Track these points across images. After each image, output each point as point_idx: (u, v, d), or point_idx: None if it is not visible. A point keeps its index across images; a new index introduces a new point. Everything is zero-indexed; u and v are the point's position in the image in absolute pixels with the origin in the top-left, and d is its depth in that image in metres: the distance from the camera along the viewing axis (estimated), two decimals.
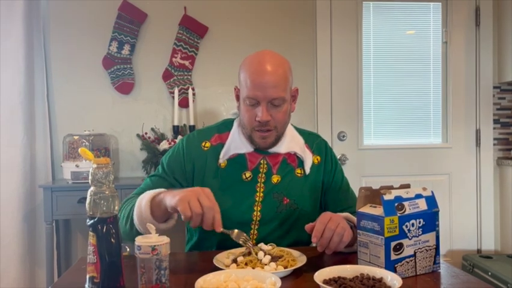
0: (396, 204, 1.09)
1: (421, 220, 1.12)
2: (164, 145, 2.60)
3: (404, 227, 1.09)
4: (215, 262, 1.14)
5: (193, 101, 2.80)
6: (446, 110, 3.03)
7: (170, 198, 1.14)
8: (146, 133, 2.76)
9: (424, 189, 1.16)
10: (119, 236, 0.97)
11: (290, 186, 1.44)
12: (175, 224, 1.24)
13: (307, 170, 1.46)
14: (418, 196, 1.13)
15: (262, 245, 1.23)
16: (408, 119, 3.02)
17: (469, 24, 3.00)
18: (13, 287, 2.52)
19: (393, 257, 1.08)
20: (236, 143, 1.43)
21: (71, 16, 2.77)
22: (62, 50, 2.77)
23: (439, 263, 1.16)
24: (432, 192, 1.16)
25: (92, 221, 0.96)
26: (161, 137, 2.73)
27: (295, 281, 1.09)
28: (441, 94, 3.03)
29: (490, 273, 2.49)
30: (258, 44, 2.80)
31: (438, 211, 1.15)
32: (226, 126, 1.49)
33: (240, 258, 1.15)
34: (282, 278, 0.98)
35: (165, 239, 0.96)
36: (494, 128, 3.03)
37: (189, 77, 2.85)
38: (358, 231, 1.15)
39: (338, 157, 2.85)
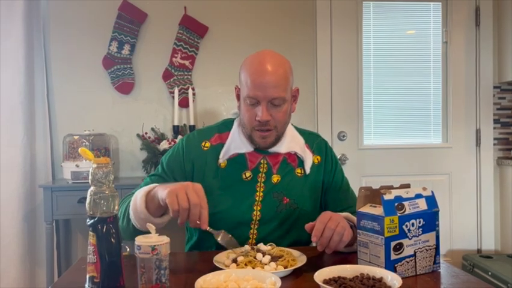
0: (396, 204, 1.09)
1: (421, 220, 1.12)
2: (164, 145, 2.60)
3: (404, 226, 1.09)
4: (215, 262, 1.14)
5: (193, 101, 2.80)
6: (446, 110, 3.03)
7: (162, 190, 1.15)
8: (146, 133, 2.76)
9: (424, 189, 1.16)
10: (119, 236, 0.97)
11: (290, 186, 1.44)
12: (170, 219, 1.24)
13: (308, 170, 1.46)
14: (418, 196, 1.13)
15: (261, 245, 1.23)
16: (408, 118, 3.02)
17: (469, 24, 3.00)
18: (13, 287, 2.52)
19: (393, 256, 1.08)
20: (236, 143, 1.43)
21: (71, 16, 2.77)
22: (62, 50, 2.77)
23: (439, 262, 1.16)
24: (432, 192, 1.16)
25: (92, 221, 0.96)
26: (161, 137, 2.73)
27: (296, 281, 1.09)
28: (441, 94, 3.03)
29: (490, 273, 2.49)
30: (258, 44, 2.80)
31: (438, 211, 1.15)
32: (226, 126, 1.49)
33: (240, 258, 1.15)
34: (282, 278, 0.98)
35: (165, 239, 0.96)
36: (494, 128, 3.03)
37: (189, 76, 2.85)
38: (358, 231, 1.15)
39: (338, 157, 2.85)
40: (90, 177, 0.96)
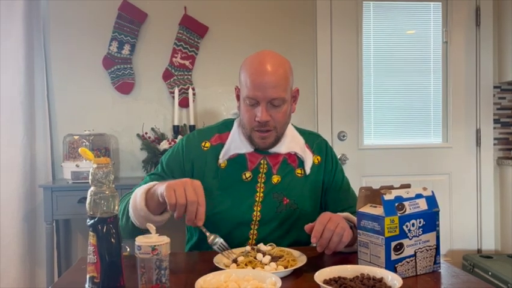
0: (396, 204, 1.09)
1: (421, 220, 1.12)
2: (164, 145, 2.61)
3: (404, 227, 1.09)
4: (215, 262, 1.14)
5: (193, 100, 2.80)
6: (446, 110, 3.03)
7: (161, 186, 1.16)
8: (146, 133, 2.76)
9: (424, 189, 1.16)
10: (119, 236, 0.97)
11: (290, 187, 1.44)
12: (169, 217, 1.23)
13: (308, 170, 1.46)
14: (418, 196, 1.13)
15: (261, 245, 1.23)
16: (409, 118, 3.02)
17: (469, 24, 3.00)
18: (13, 287, 2.52)
19: (393, 257, 1.08)
20: (236, 143, 1.43)
21: (71, 16, 2.77)
22: (62, 50, 2.77)
23: (439, 262, 1.16)
24: (432, 192, 1.16)
25: (92, 221, 0.96)
26: (161, 137, 2.73)
27: (296, 281, 1.08)
28: (441, 94, 3.03)
29: (490, 273, 2.49)
30: (258, 44, 2.80)
31: (438, 211, 1.15)
32: (226, 126, 1.49)
33: (240, 258, 1.15)
34: (282, 278, 0.98)
35: (165, 239, 0.96)
36: (494, 128, 3.03)
37: (189, 76, 2.85)
38: (358, 231, 1.15)
39: (338, 157, 2.84)
40: (90, 177, 0.96)
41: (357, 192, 1.22)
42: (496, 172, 3.03)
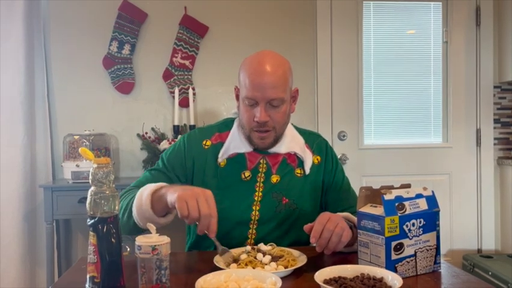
0: (396, 204, 1.09)
1: (422, 220, 1.12)
2: (164, 145, 2.61)
3: (404, 226, 1.09)
4: (215, 262, 1.14)
5: (194, 100, 2.80)
6: (446, 110, 3.02)
7: (171, 194, 1.14)
8: (146, 133, 2.76)
9: (425, 189, 1.16)
10: (119, 236, 0.97)
11: (289, 186, 1.44)
12: (173, 219, 1.23)
13: (307, 170, 1.46)
14: (419, 196, 1.13)
15: (262, 245, 1.23)
16: (409, 118, 3.02)
17: (470, 24, 3.00)
18: (13, 287, 2.52)
19: (393, 256, 1.08)
20: (236, 143, 1.43)
21: (71, 16, 2.77)
22: (62, 50, 2.77)
23: (440, 262, 1.16)
24: (432, 192, 1.16)
25: (92, 221, 0.96)
26: (161, 137, 2.73)
27: (296, 281, 1.09)
28: (441, 94, 3.03)
29: (490, 273, 2.49)
30: (258, 44, 2.80)
31: (438, 211, 1.15)
32: (226, 125, 1.49)
33: (243, 256, 1.15)
34: (282, 278, 0.98)
35: (165, 239, 0.96)
36: (494, 128, 3.03)
37: (189, 76, 2.85)
38: (358, 231, 1.15)
39: (339, 157, 2.84)
40: (90, 177, 0.96)
41: (357, 192, 1.22)
42: (496, 172, 3.03)
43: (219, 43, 2.86)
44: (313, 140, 1.53)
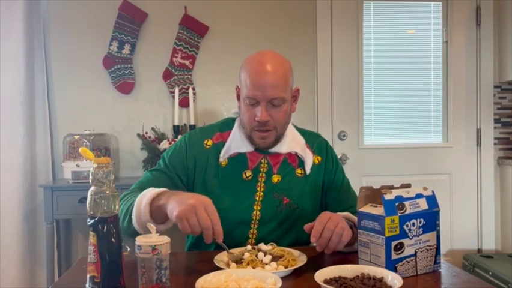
0: (397, 204, 1.09)
1: (422, 220, 1.11)
2: (164, 145, 2.61)
3: (404, 226, 1.09)
4: (215, 262, 1.14)
5: (194, 100, 2.80)
6: (446, 110, 3.02)
7: (171, 207, 1.12)
8: (146, 133, 2.76)
9: (425, 188, 1.16)
10: (119, 236, 0.97)
11: (290, 186, 1.44)
12: (173, 225, 1.23)
13: (308, 170, 1.46)
14: (419, 196, 1.13)
15: (262, 244, 1.23)
16: (409, 118, 3.02)
17: (470, 24, 3.00)
18: (13, 287, 2.52)
19: (393, 256, 1.08)
20: (237, 142, 1.43)
21: (71, 16, 2.77)
22: (62, 50, 2.77)
23: (440, 262, 1.16)
24: (433, 191, 1.16)
25: (92, 221, 0.95)
26: (161, 137, 2.73)
27: (296, 281, 1.08)
28: (441, 93, 3.03)
29: (490, 273, 2.49)
30: (258, 44, 2.80)
31: (439, 211, 1.15)
32: (227, 125, 1.50)
33: (246, 255, 1.15)
34: (282, 278, 0.98)
35: (166, 239, 0.96)
36: (494, 128, 3.03)
37: (189, 76, 2.85)
38: (359, 230, 1.15)
39: (339, 157, 2.84)
40: (90, 177, 0.96)
41: (357, 192, 1.22)
42: (496, 172, 3.03)
43: (219, 43, 2.86)
44: (313, 140, 1.53)
